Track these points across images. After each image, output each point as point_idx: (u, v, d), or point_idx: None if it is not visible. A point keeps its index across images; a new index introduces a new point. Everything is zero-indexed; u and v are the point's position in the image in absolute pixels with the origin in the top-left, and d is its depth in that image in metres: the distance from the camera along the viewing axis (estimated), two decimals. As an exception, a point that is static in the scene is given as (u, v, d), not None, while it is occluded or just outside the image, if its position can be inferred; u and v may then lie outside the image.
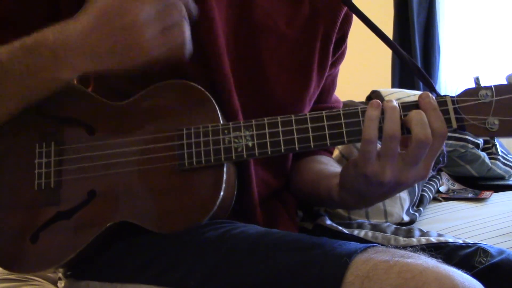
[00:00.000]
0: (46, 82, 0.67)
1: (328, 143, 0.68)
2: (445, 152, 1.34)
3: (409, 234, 0.88)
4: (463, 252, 0.77)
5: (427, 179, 1.43)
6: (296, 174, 0.92)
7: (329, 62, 0.90)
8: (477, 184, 1.51)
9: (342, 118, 0.68)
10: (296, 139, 0.68)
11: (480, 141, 1.50)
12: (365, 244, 0.60)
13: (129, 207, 0.70)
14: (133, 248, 0.71)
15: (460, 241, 0.81)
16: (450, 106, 0.66)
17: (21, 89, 0.67)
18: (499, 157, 1.56)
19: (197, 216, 0.68)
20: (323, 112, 0.69)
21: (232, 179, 0.72)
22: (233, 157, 0.69)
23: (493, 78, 0.68)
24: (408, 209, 1.23)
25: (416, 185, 1.29)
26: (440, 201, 1.41)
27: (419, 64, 2.58)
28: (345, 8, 0.89)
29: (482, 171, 1.54)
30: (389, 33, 2.78)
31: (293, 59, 0.84)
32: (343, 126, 0.68)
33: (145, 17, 0.64)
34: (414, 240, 0.84)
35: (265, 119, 0.69)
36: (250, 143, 0.69)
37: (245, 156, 0.69)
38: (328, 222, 0.93)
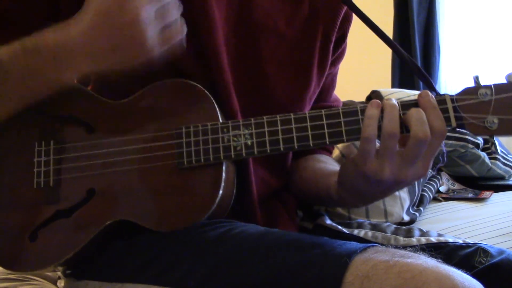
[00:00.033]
0: (46, 83, 0.67)
1: (327, 142, 0.68)
2: (445, 151, 1.34)
3: (409, 234, 0.88)
4: (463, 252, 0.76)
5: (427, 178, 1.43)
6: (295, 172, 0.92)
7: (329, 62, 0.90)
8: (477, 184, 1.51)
9: (341, 116, 0.68)
10: (295, 137, 0.68)
11: (480, 141, 1.50)
12: (365, 244, 0.60)
13: (128, 205, 0.70)
14: (133, 248, 0.71)
15: (460, 241, 0.81)
16: (450, 105, 0.66)
17: (22, 90, 0.67)
18: (499, 157, 1.56)
19: (196, 214, 0.68)
20: (322, 110, 0.69)
21: (231, 177, 0.72)
22: (232, 156, 0.69)
23: (493, 78, 0.67)
24: (408, 209, 1.23)
25: (416, 185, 1.29)
26: (440, 201, 1.41)
27: (419, 64, 2.57)
28: (345, 8, 0.89)
29: (482, 171, 1.54)
30: (389, 33, 2.78)
31: (293, 59, 0.84)
32: (342, 125, 0.68)
33: (145, 16, 0.64)
34: (414, 240, 0.84)
35: (264, 117, 0.69)
36: (249, 142, 0.69)
37: (244, 154, 0.69)
38: (328, 221, 0.93)
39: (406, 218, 1.19)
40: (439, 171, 1.55)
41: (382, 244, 0.76)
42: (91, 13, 0.65)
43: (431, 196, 1.39)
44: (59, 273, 0.81)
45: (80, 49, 0.65)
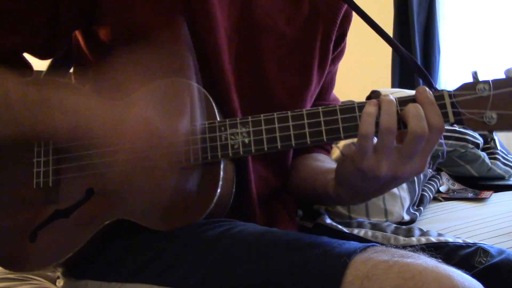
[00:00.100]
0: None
1: (325, 139, 0.68)
2: (445, 147, 1.33)
3: (409, 233, 0.87)
4: (463, 252, 0.76)
5: (427, 178, 1.43)
6: (292, 171, 0.92)
7: (329, 60, 0.90)
8: (477, 184, 1.51)
9: (338, 113, 0.67)
10: (292, 135, 0.68)
11: (480, 141, 1.50)
12: (364, 243, 0.60)
13: (127, 205, 0.70)
14: (132, 247, 0.71)
15: (460, 241, 0.81)
16: (447, 100, 0.66)
17: (23, 129, 0.69)
18: (499, 157, 1.56)
19: (194, 213, 0.68)
20: (319, 108, 0.68)
21: (230, 176, 0.72)
22: (230, 154, 0.69)
23: (493, 76, 0.67)
24: (408, 208, 1.23)
25: (416, 185, 1.29)
26: (440, 201, 1.41)
27: (419, 64, 2.58)
28: (345, 6, 0.89)
29: (482, 171, 1.54)
30: (389, 33, 2.76)
31: (293, 59, 0.84)
32: (340, 122, 0.67)
33: None
34: (414, 240, 0.84)
35: (262, 115, 0.69)
36: (246, 140, 0.69)
37: (241, 153, 0.69)
38: (328, 221, 0.93)
39: (406, 217, 1.19)
40: (439, 171, 1.55)
41: (382, 244, 0.76)
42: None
43: (431, 196, 1.39)
44: (58, 273, 0.81)
45: None
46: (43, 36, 0.74)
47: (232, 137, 0.69)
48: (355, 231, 0.89)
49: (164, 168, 0.69)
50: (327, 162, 0.92)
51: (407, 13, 2.73)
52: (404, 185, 1.23)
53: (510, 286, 0.70)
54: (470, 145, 1.47)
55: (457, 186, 1.52)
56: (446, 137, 1.45)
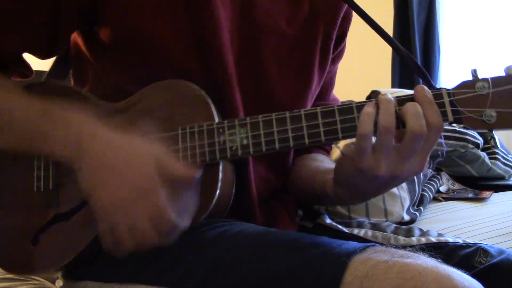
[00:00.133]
0: (54, 146, 0.66)
1: (323, 140, 0.67)
2: (444, 147, 1.33)
3: (409, 233, 0.87)
4: (463, 252, 0.76)
5: (427, 178, 1.43)
6: (291, 171, 0.91)
7: (330, 60, 0.90)
8: (477, 184, 1.51)
9: (336, 114, 0.67)
10: (290, 136, 0.68)
11: (480, 141, 1.50)
12: (364, 243, 0.60)
13: None
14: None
15: (460, 241, 0.80)
16: (446, 99, 0.65)
17: (23, 145, 0.68)
18: (499, 157, 1.56)
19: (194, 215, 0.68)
20: (317, 108, 0.68)
21: (229, 177, 0.72)
22: (228, 156, 0.68)
23: (491, 75, 0.67)
24: (408, 208, 1.23)
25: (416, 185, 1.29)
26: (440, 201, 1.41)
27: (419, 64, 2.58)
28: (345, 6, 0.89)
29: (482, 171, 1.53)
30: (389, 33, 2.76)
31: (294, 59, 0.84)
32: (338, 123, 0.67)
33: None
34: (414, 240, 0.84)
35: (260, 116, 0.69)
36: (244, 141, 0.68)
37: (240, 154, 0.68)
38: (328, 221, 0.93)
39: (406, 217, 1.19)
40: (439, 171, 1.55)
41: (382, 244, 0.76)
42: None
43: (431, 196, 1.39)
44: (57, 274, 0.81)
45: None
46: (43, 36, 0.74)
47: (231, 138, 0.69)
48: (355, 231, 0.89)
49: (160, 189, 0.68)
50: (326, 162, 0.91)
51: (407, 13, 2.73)
52: (404, 185, 1.23)
53: (510, 286, 0.70)
54: (470, 145, 1.47)
55: (457, 186, 1.52)
56: (446, 137, 1.44)
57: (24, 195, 0.73)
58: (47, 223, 0.71)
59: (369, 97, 1.60)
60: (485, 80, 0.64)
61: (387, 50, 2.59)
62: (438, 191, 1.46)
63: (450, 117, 0.65)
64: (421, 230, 0.89)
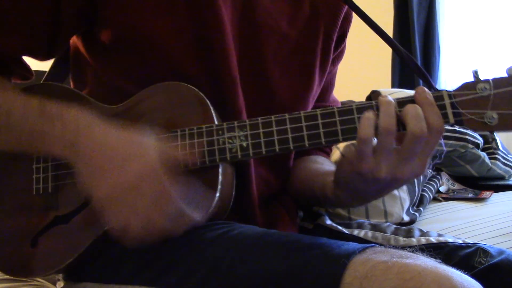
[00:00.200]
0: (52, 146, 0.66)
1: (323, 142, 0.67)
2: (444, 148, 1.33)
3: (409, 234, 0.87)
4: (463, 252, 0.76)
5: (427, 178, 1.43)
6: (291, 173, 0.91)
7: (330, 61, 0.90)
8: (477, 184, 1.51)
9: (336, 115, 0.66)
10: (290, 138, 0.67)
11: (480, 141, 1.50)
12: (364, 244, 0.60)
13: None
14: (131, 250, 0.70)
15: (460, 241, 0.80)
16: (447, 101, 0.65)
17: (21, 144, 0.68)
18: (499, 157, 1.56)
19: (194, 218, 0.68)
20: (317, 110, 0.68)
21: (229, 179, 0.72)
22: (228, 158, 0.68)
23: (492, 76, 0.66)
24: (408, 209, 1.23)
25: (416, 185, 1.29)
26: (440, 201, 1.41)
27: (419, 64, 2.58)
28: (345, 7, 0.89)
29: (482, 171, 1.53)
30: (389, 33, 2.76)
31: (295, 59, 0.84)
32: (338, 124, 0.66)
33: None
34: (414, 240, 0.84)
35: (259, 118, 0.68)
36: (244, 144, 0.68)
37: (239, 156, 0.68)
38: (328, 222, 0.93)
39: (406, 218, 1.19)
40: (439, 171, 1.55)
41: (381, 245, 0.76)
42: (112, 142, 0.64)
43: (431, 196, 1.39)
44: (59, 276, 0.81)
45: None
46: (43, 37, 0.73)
47: (230, 140, 0.68)
48: (355, 232, 0.89)
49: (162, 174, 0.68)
50: (326, 164, 0.91)
51: (407, 13, 2.73)
52: (404, 186, 1.23)
53: (510, 286, 0.70)
54: (470, 145, 1.47)
55: (457, 186, 1.52)
56: (446, 137, 1.44)
57: (23, 198, 0.73)
58: (46, 226, 0.71)
59: (369, 97, 1.60)
60: (487, 81, 0.64)
61: (387, 50, 2.59)
62: (438, 191, 1.46)
63: (451, 119, 0.65)
64: (421, 230, 0.89)
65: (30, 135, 0.66)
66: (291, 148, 0.68)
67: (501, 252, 0.74)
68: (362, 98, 1.69)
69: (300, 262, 0.59)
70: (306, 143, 0.67)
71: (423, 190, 1.36)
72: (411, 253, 0.57)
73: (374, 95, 1.59)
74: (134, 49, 0.74)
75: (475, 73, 0.65)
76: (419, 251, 0.58)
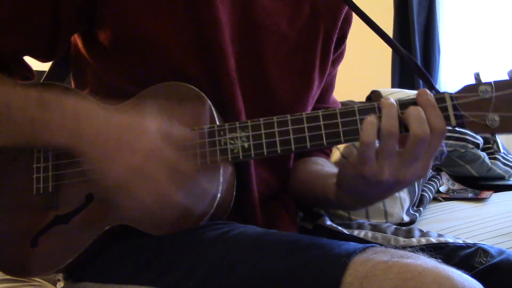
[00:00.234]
0: (53, 138, 0.66)
1: (325, 143, 0.67)
2: (445, 151, 1.33)
3: (409, 234, 0.87)
4: (463, 253, 0.76)
5: (427, 179, 1.43)
6: (291, 175, 0.91)
7: (330, 62, 0.90)
8: (477, 184, 1.51)
9: (338, 117, 0.67)
10: (292, 139, 0.67)
11: (480, 141, 1.50)
12: (364, 244, 0.60)
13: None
14: (131, 249, 0.70)
15: (460, 241, 0.80)
16: (449, 103, 0.65)
17: (22, 137, 0.68)
18: (499, 157, 1.56)
19: (194, 218, 0.68)
20: (319, 111, 0.68)
21: (230, 180, 0.72)
22: (229, 159, 0.68)
23: (493, 77, 0.66)
24: (408, 209, 1.23)
25: (416, 185, 1.28)
26: (440, 201, 1.41)
27: (419, 64, 2.57)
28: (346, 8, 0.89)
29: (482, 171, 1.53)
30: (389, 33, 2.76)
31: (295, 60, 0.84)
32: (340, 125, 0.66)
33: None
34: (414, 241, 0.84)
35: (261, 119, 0.68)
36: (246, 144, 0.68)
37: (241, 157, 0.68)
38: (328, 222, 0.93)
39: (406, 218, 1.19)
40: (439, 171, 1.55)
41: (382, 245, 0.76)
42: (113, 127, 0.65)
43: (431, 196, 1.39)
44: (59, 276, 0.81)
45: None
46: (43, 37, 0.73)
47: (232, 141, 0.68)
48: (355, 232, 0.89)
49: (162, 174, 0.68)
50: (326, 166, 0.91)
51: (407, 13, 2.73)
52: (404, 186, 1.23)
53: (510, 286, 0.70)
54: (470, 145, 1.47)
55: (457, 186, 1.52)
56: (446, 137, 1.44)
57: (23, 197, 0.73)
58: (47, 225, 0.71)
59: (369, 97, 1.60)
60: (488, 84, 0.64)
61: (387, 50, 2.59)
62: (438, 191, 1.46)
63: (453, 121, 0.65)
64: (421, 231, 0.89)
65: (31, 125, 0.66)
66: (293, 149, 0.68)
67: (501, 252, 0.74)
68: (362, 98, 1.69)
69: (300, 262, 0.59)
70: (308, 144, 0.67)
71: (423, 190, 1.36)
72: (411, 253, 0.57)
73: (374, 95, 1.59)
74: (134, 49, 0.74)
75: (477, 76, 0.65)
76: (420, 251, 0.58)
